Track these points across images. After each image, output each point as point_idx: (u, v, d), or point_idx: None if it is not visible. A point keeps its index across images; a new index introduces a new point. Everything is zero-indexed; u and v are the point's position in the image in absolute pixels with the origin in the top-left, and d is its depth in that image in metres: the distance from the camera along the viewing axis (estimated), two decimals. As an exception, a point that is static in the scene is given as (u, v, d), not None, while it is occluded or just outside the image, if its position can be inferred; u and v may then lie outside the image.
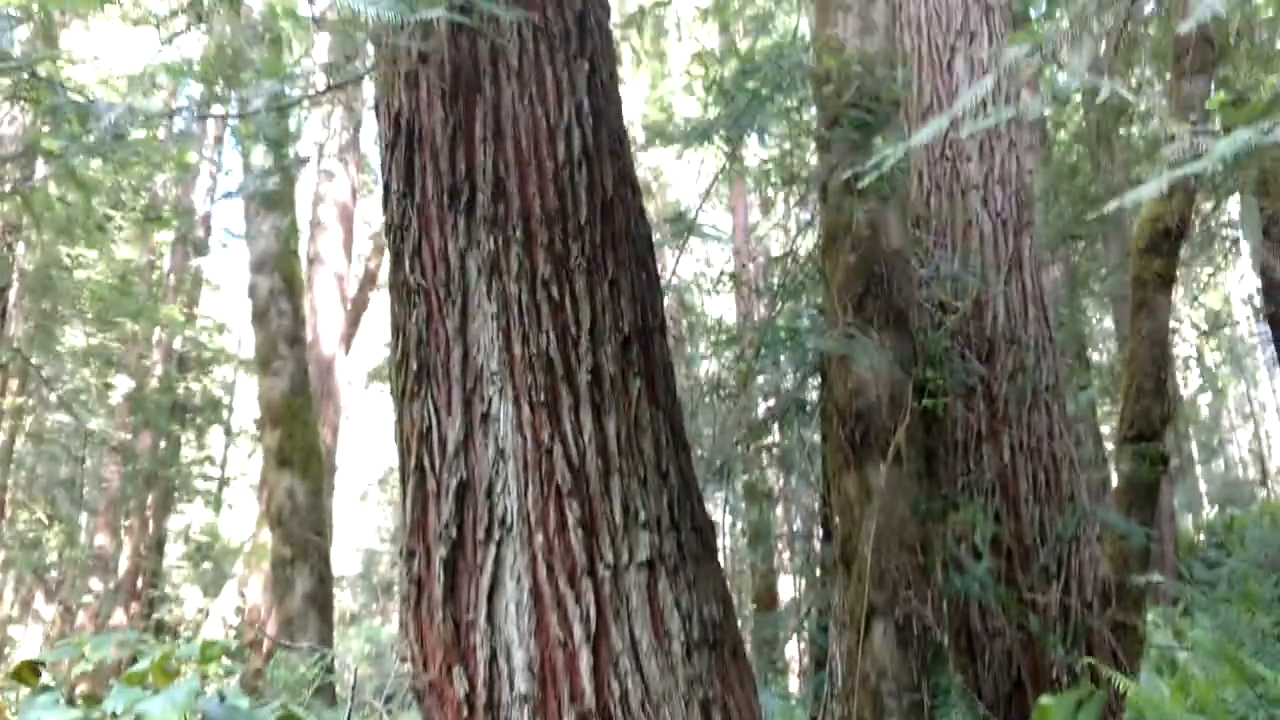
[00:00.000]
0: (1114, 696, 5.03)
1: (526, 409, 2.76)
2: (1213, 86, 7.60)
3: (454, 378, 2.84)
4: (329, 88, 3.14)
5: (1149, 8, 7.23)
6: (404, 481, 2.89)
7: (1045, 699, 4.50)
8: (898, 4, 6.46)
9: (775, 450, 6.91)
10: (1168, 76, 9.00)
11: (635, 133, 16.18)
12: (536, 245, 2.95)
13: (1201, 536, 16.85)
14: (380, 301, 16.72)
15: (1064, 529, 5.72)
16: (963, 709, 4.61)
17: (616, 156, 3.29)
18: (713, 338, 8.06)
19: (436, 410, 2.82)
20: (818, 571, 5.75)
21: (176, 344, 20.51)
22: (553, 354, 2.82)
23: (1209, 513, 21.28)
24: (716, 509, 6.94)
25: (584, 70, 3.25)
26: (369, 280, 17.09)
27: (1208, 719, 5.64)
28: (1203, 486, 24.31)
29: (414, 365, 2.91)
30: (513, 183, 3.01)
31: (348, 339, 14.75)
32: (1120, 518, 5.73)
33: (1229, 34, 8.20)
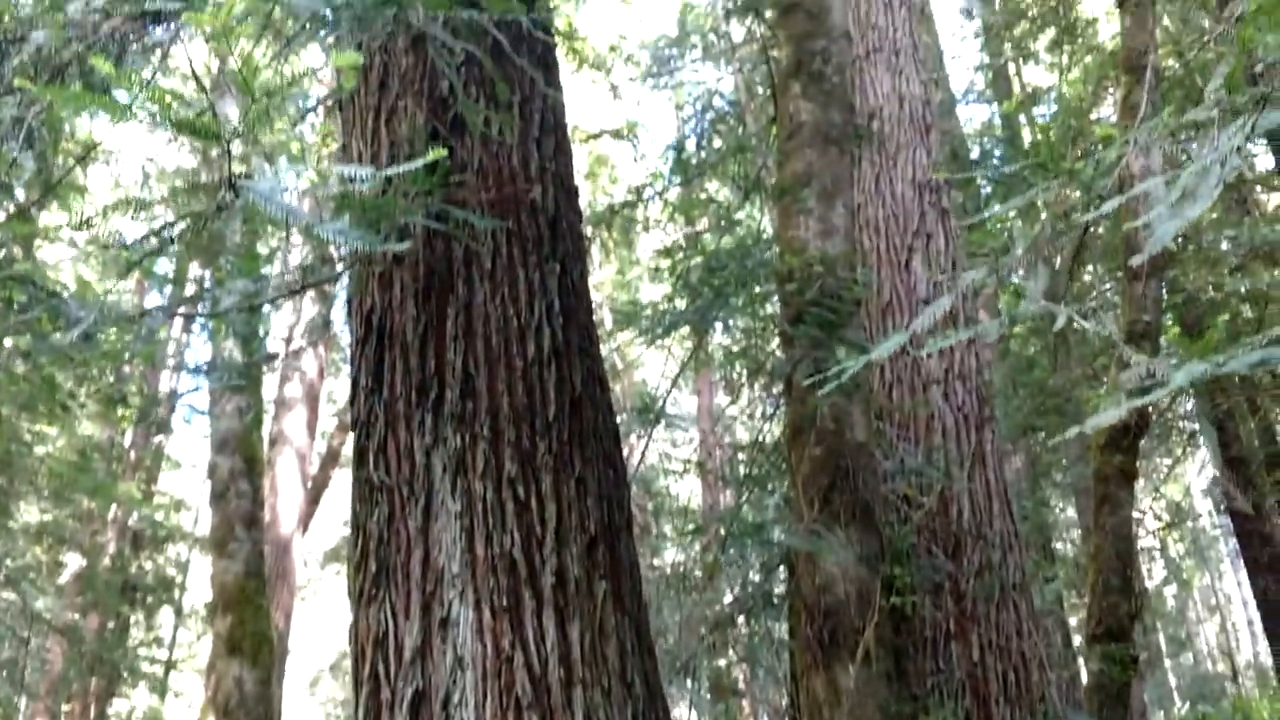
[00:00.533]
0: None
1: (488, 614, 2.69)
2: (1164, 287, 7.91)
3: (414, 580, 2.77)
4: (303, 287, 3.19)
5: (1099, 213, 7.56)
6: (357, 689, 2.78)
7: None
8: (857, 206, 6.72)
9: (741, 645, 6.76)
10: (1119, 275, 9.35)
11: (604, 315, 16.50)
12: (504, 443, 2.95)
13: (1176, 735, 16.49)
14: (342, 479, 16.54)
15: (1037, 732, 5.58)
16: None
17: (585, 354, 3.34)
18: (678, 525, 7.99)
19: (394, 614, 2.75)
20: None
21: (132, 520, 20.04)
22: (516, 555, 2.77)
23: (1180, 708, 20.88)
24: (681, 705, 6.73)
25: (555, 271, 3.33)
26: (331, 458, 16.94)
27: None
28: (1172, 680, 23.92)
29: (373, 566, 2.85)
30: (482, 380, 3.03)
31: (306, 518, 14.50)
32: (1093, 721, 5.61)
33: (1177, 238, 8.56)
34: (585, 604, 2.77)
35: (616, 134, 10.79)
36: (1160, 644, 22.14)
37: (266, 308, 3.64)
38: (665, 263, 7.96)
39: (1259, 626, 18.65)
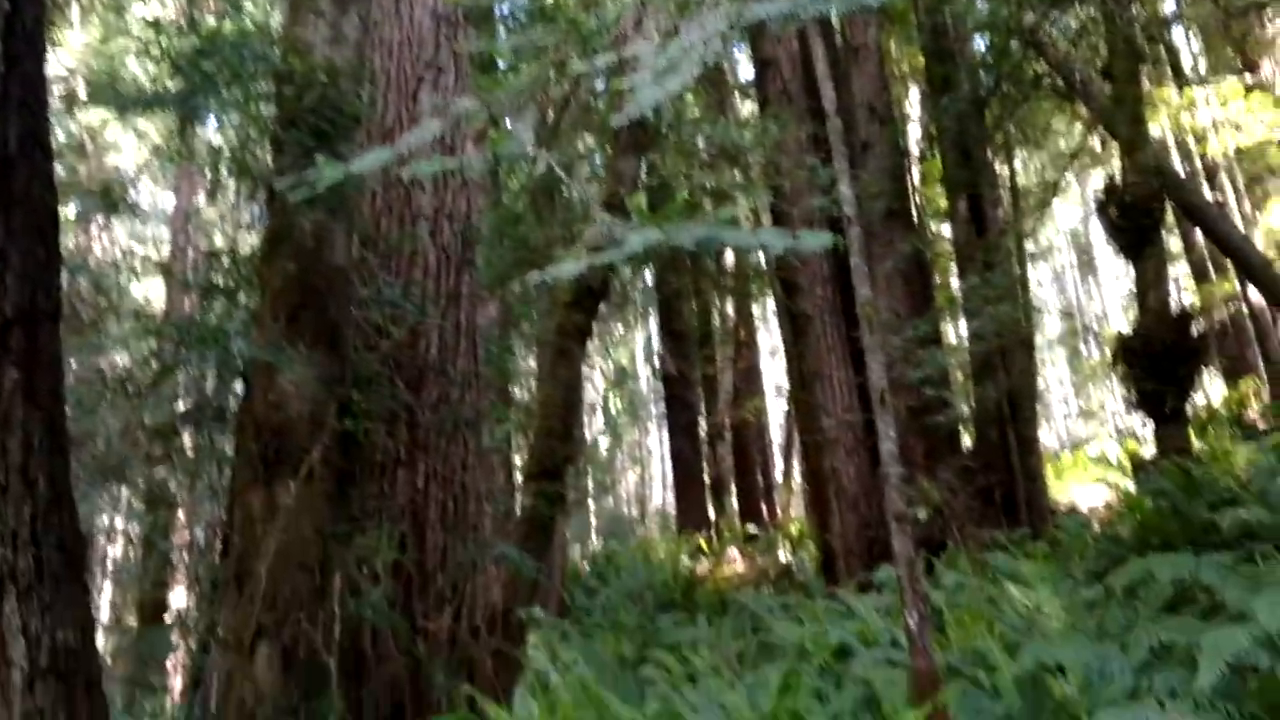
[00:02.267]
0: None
1: None
2: (644, 165, 8.55)
3: None
4: None
5: (600, 84, 7.95)
6: None
7: (419, 725, 4.59)
8: (373, 22, 6.44)
9: (183, 457, 6.44)
10: (607, 149, 9.97)
11: (76, 84, 14.44)
12: (-100, 196, 2.48)
13: (586, 565, 18.51)
14: None
15: (465, 557, 5.97)
16: (341, 735, 4.56)
17: (29, 111, 2.89)
18: (130, 326, 7.35)
19: None
20: (210, 588, 5.42)
21: None
22: (-101, 328, 2.37)
23: (596, 544, 23.56)
24: (110, 513, 6.30)
25: (3, 8, 2.82)
26: None
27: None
28: (593, 520, 26.89)
29: None
30: (-122, 116, 2.51)
31: None
32: (515, 551, 6.11)
33: (661, 125, 9.26)
34: (-13, 391, 2.45)
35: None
36: (588, 487, 24.69)
37: None
38: (156, 38, 7.11)
39: (670, 479, 21.49)
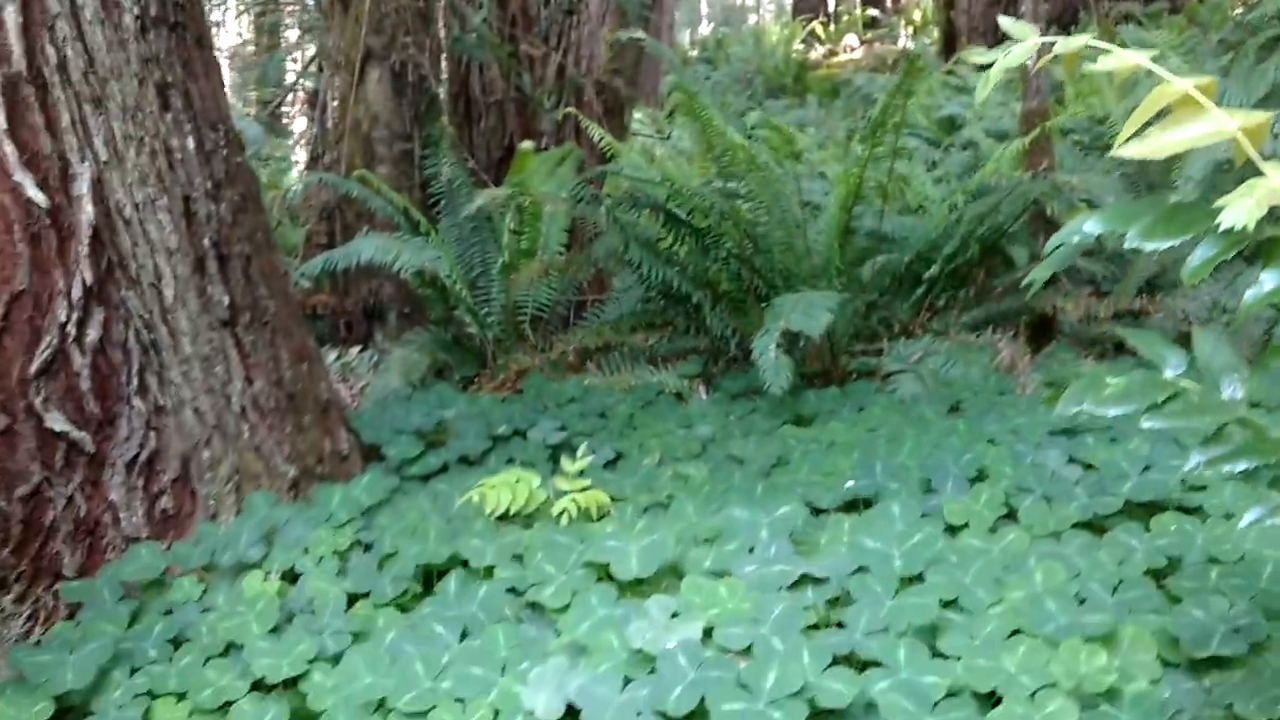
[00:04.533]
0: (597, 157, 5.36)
1: None
2: None
3: None
4: None
5: None
6: None
7: (527, 144, 4.69)
8: None
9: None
10: None
11: None
12: None
13: (694, 53, 18.11)
14: None
15: (566, -1, 5.79)
16: (453, 160, 4.71)
17: None
18: None
19: None
20: (318, 12, 5.43)
21: None
22: None
23: (705, 32, 22.84)
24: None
25: None
26: None
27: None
28: (704, 7, 25.90)
29: None
30: None
31: None
32: (619, -8, 5.89)
33: None
34: None
35: None
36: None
37: None
38: None
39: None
